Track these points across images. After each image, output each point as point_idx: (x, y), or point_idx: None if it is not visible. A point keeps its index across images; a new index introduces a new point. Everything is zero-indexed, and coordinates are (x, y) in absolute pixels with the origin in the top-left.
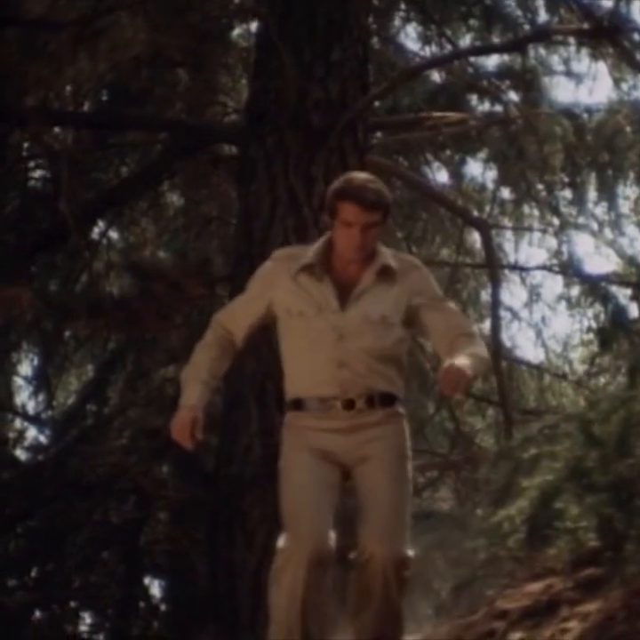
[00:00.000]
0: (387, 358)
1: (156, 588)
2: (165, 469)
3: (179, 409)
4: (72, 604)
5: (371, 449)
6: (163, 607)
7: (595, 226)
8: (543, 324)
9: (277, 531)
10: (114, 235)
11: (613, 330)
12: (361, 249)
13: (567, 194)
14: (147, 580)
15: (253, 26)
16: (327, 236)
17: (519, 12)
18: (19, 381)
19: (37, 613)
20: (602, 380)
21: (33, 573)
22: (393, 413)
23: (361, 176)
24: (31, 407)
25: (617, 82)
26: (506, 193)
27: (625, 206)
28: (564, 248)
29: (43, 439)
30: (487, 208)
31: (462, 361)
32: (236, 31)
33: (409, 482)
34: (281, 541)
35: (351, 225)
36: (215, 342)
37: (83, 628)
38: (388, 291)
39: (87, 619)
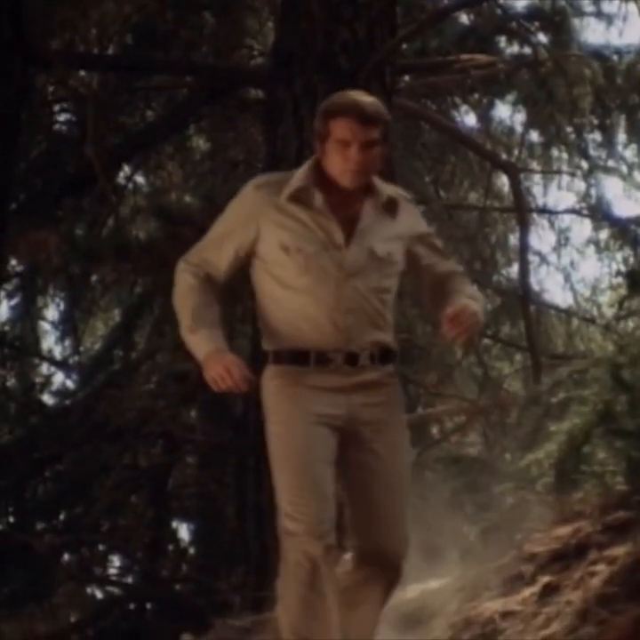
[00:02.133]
0: (387, 301)
1: (184, 531)
2: (194, 414)
3: (206, 360)
4: (101, 546)
5: (371, 414)
6: (191, 550)
7: (624, 169)
8: (572, 268)
9: None
10: (140, 179)
11: None
12: (360, 173)
13: (596, 136)
14: (175, 524)
15: None
16: (313, 160)
17: None
18: (45, 326)
19: (66, 556)
20: (631, 324)
21: (62, 517)
22: (390, 373)
23: (353, 91)
24: (58, 352)
25: None
26: (534, 136)
27: None
28: (593, 191)
29: (70, 384)
30: (516, 151)
31: (473, 305)
32: None
33: (407, 451)
34: (287, 525)
35: (348, 144)
36: (201, 285)
37: (112, 570)
38: (391, 225)
39: (116, 561)
